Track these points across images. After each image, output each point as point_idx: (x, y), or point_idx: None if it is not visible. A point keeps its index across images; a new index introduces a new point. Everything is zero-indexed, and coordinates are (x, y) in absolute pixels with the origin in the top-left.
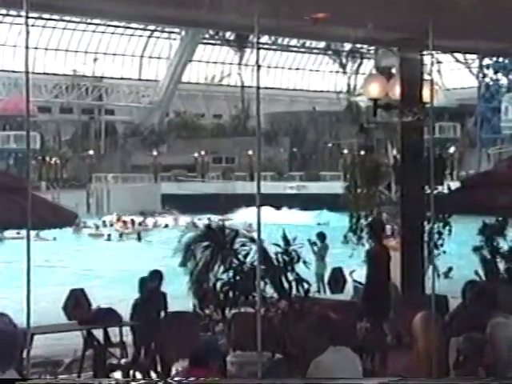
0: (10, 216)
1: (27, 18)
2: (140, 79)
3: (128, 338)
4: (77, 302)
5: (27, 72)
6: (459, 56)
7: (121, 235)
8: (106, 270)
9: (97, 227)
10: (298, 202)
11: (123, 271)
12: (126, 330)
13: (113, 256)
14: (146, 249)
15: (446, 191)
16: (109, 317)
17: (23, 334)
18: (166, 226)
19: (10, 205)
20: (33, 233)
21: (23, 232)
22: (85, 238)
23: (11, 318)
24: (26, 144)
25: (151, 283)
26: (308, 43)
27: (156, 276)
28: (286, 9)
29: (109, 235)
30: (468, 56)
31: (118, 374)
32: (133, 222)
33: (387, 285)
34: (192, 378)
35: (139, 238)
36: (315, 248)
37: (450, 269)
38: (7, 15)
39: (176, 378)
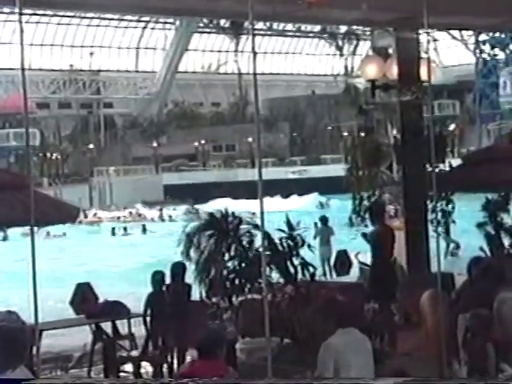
0: (13, 213)
1: (21, 14)
2: (137, 71)
3: (137, 329)
4: (84, 297)
5: (23, 69)
6: (455, 33)
7: (125, 229)
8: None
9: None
10: (300, 186)
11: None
12: (135, 321)
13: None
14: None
15: (447, 169)
16: (116, 309)
17: (32, 330)
18: (170, 217)
19: (13, 202)
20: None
21: (41, 229)
22: (91, 234)
23: (19, 315)
24: (25, 141)
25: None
26: (303, 27)
27: (179, 267)
28: None
29: (113, 228)
30: (464, 32)
31: (128, 366)
32: (139, 214)
33: (393, 265)
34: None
35: (144, 230)
36: (318, 232)
37: (458, 246)
38: (1, 13)
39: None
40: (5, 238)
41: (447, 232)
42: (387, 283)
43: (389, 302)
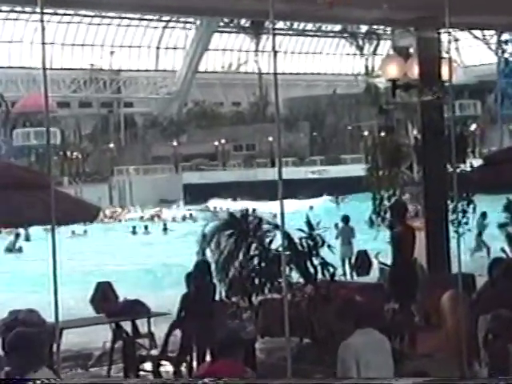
0: (34, 212)
1: (42, 14)
2: (157, 70)
3: (157, 328)
4: (104, 295)
5: (44, 68)
6: (477, 32)
7: (146, 227)
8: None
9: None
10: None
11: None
12: (154, 320)
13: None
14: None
15: (468, 169)
16: (136, 308)
17: (52, 329)
18: (191, 215)
19: (34, 201)
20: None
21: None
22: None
23: (40, 314)
24: (46, 140)
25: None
26: (324, 27)
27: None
28: None
29: (134, 227)
30: (486, 32)
31: (147, 365)
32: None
33: (413, 265)
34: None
35: (165, 229)
36: (340, 231)
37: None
38: (23, 12)
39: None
40: (27, 238)
41: (480, 234)
42: (408, 283)
43: (409, 303)
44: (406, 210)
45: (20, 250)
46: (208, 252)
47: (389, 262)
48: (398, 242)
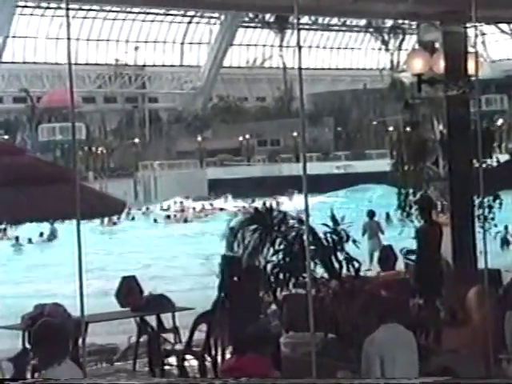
0: (60, 207)
1: (68, 9)
2: (182, 65)
3: (181, 323)
4: (129, 290)
5: (70, 64)
6: (504, 26)
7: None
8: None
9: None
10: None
11: None
12: (179, 315)
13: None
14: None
15: (494, 164)
16: (161, 303)
17: (77, 323)
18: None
19: (60, 196)
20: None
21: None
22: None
23: (65, 308)
24: (71, 135)
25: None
26: (349, 21)
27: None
28: None
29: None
30: None
31: (172, 359)
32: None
33: (440, 261)
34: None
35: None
36: (366, 226)
37: None
38: (48, 8)
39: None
40: (53, 232)
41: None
42: (434, 279)
43: (435, 298)
44: (432, 205)
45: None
46: (234, 246)
47: (414, 257)
48: (424, 237)
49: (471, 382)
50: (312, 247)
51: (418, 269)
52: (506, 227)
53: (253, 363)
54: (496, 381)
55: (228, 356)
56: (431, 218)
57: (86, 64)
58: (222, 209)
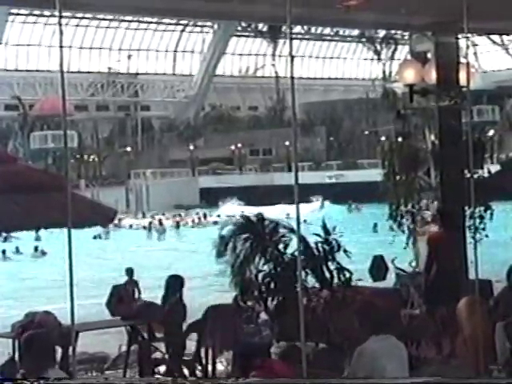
0: (50, 214)
1: (60, 17)
2: (174, 74)
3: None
4: (120, 298)
5: (62, 71)
6: (495, 38)
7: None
8: None
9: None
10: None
11: None
12: None
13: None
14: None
15: (486, 175)
16: (152, 311)
17: (67, 332)
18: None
19: (51, 203)
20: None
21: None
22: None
23: (56, 316)
24: (63, 143)
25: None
26: (341, 31)
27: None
28: None
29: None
30: (504, 37)
31: (162, 369)
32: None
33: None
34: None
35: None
36: None
37: None
38: (41, 15)
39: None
40: (37, 239)
41: None
42: (430, 289)
43: (428, 309)
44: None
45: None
46: (222, 254)
47: (404, 267)
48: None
49: (462, 382)
50: (303, 257)
51: (414, 279)
52: None
53: (278, 364)
54: (484, 380)
55: (219, 365)
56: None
57: (79, 72)
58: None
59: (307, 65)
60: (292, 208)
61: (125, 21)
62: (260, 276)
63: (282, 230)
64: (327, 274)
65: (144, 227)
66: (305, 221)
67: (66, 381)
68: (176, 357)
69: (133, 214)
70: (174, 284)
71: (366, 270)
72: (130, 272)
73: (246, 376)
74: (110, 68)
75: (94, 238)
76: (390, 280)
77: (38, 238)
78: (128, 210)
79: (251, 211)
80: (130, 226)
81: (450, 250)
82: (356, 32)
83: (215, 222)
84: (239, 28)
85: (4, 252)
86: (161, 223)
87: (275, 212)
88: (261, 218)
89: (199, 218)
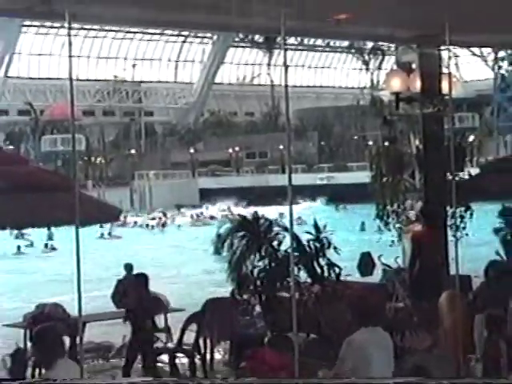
0: (60, 213)
1: (70, 29)
2: (176, 82)
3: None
4: (124, 292)
5: (71, 79)
6: (475, 50)
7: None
8: None
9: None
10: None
11: None
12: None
13: None
14: None
15: (466, 177)
16: (155, 304)
17: (75, 323)
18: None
19: (60, 203)
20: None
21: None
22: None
23: (64, 308)
24: (72, 146)
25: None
26: (332, 43)
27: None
28: (310, 11)
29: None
30: (484, 49)
31: (164, 357)
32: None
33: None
34: None
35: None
36: None
37: None
38: (51, 27)
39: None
40: (50, 237)
41: None
42: (415, 284)
43: (412, 302)
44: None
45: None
46: (219, 251)
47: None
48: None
49: (451, 382)
50: (296, 253)
51: (399, 274)
52: None
53: (271, 355)
54: (466, 380)
55: (217, 354)
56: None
57: (87, 80)
58: (212, 217)
59: (300, 74)
60: (283, 208)
61: (130, 32)
62: (255, 271)
63: (275, 229)
64: (318, 270)
65: (147, 225)
66: (299, 218)
67: (70, 381)
68: (148, 350)
69: (136, 212)
70: (140, 281)
71: (355, 265)
72: (129, 267)
73: (239, 363)
74: (115, 76)
75: (102, 235)
76: (377, 275)
77: (50, 235)
78: (132, 208)
79: (245, 211)
80: (135, 223)
81: (433, 248)
82: (346, 43)
83: (211, 217)
84: (237, 39)
85: (19, 248)
86: (163, 225)
87: (269, 211)
88: (256, 217)
89: (198, 216)
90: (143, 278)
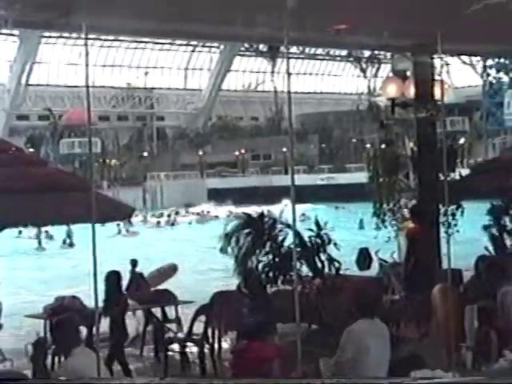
0: (77, 212)
1: (86, 39)
2: (186, 89)
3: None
4: (137, 285)
5: (87, 86)
6: (465, 58)
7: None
8: None
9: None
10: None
11: None
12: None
13: None
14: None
15: (457, 177)
16: (165, 297)
17: (92, 313)
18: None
19: (78, 202)
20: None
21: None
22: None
23: (82, 300)
24: (88, 149)
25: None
26: (332, 52)
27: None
28: (312, 22)
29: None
30: (473, 58)
31: (175, 346)
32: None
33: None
34: None
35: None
36: None
37: None
38: (69, 38)
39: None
40: (69, 235)
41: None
42: (409, 277)
43: (407, 294)
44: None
45: (71, 245)
46: (226, 249)
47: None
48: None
49: (453, 381)
50: (298, 249)
51: (395, 268)
52: None
53: (260, 348)
54: (468, 379)
55: (224, 344)
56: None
57: (102, 87)
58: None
59: (302, 81)
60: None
61: (142, 42)
62: (260, 266)
63: (279, 226)
64: (319, 264)
65: (158, 222)
66: (303, 214)
67: (70, 381)
68: (117, 345)
69: (148, 210)
70: (113, 278)
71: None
72: (133, 263)
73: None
74: (129, 83)
75: (119, 232)
76: (374, 269)
77: (69, 232)
78: (144, 207)
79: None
80: (144, 218)
81: (426, 243)
82: (345, 52)
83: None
84: (242, 48)
85: (40, 242)
86: (173, 223)
87: (274, 209)
88: (261, 215)
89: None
90: (115, 276)
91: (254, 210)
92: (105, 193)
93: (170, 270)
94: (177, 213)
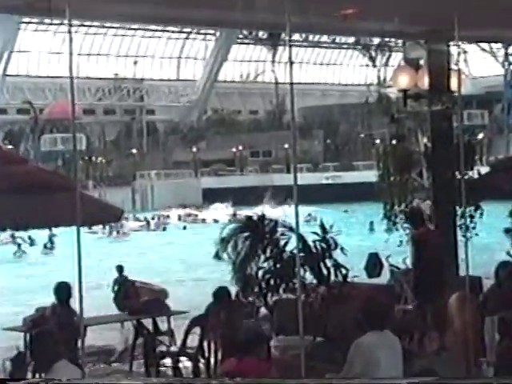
0: (61, 214)
1: (70, 25)
2: (178, 79)
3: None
4: (126, 294)
5: (71, 77)
6: (485, 45)
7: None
8: None
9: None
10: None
11: None
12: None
13: None
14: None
15: (476, 176)
16: (157, 307)
17: (77, 326)
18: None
19: (61, 203)
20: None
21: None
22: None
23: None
24: (72, 145)
25: None
26: (338, 39)
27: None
28: (316, 6)
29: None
30: (493, 45)
31: (167, 361)
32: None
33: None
34: None
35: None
36: None
37: None
38: (51, 24)
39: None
40: (51, 240)
41: None
42: (423, 285)
43: (422, 304)
44: (421, 214)
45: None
46: (226, 253)
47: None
48: (416, 244)
49: (455, 383)
50: (302, 254)
51: (408, 275)
52: None
53: (253, 366)
54: (479, 380)
55: (220, 358)
56: (422, 226)
57: (87, 78)
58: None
59: (305, 71)
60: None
61: (131, 29)
62: (260, 273)
63: (281, 229)
64: (324, 271)
65: (148, 223)
66: (309, 214)
67: (71, 381)
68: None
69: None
70: (63, 291)
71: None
72: (120, 269)
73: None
74: (116, 74)
75: (110, 233)
76: (385, 276)
77: (51, 236)
78: (134, 209)
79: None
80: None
81: (441, 248)
82: (352, 39)
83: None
84: (240, 35)
85: (19, 246)
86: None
87: (274, 212)
88: (261, 217)
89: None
90: (64, 289)
91: (253, 211)
92: (90, 193)
93: (161, 295)
94: (167, 216)
